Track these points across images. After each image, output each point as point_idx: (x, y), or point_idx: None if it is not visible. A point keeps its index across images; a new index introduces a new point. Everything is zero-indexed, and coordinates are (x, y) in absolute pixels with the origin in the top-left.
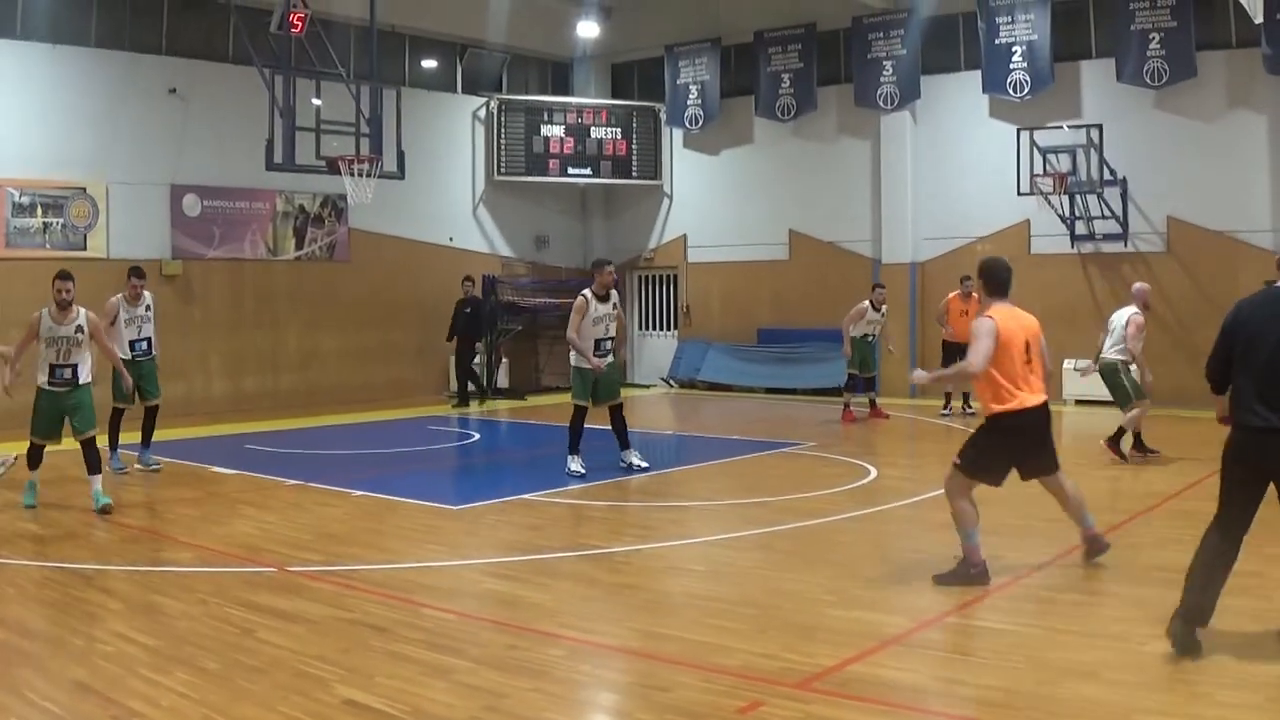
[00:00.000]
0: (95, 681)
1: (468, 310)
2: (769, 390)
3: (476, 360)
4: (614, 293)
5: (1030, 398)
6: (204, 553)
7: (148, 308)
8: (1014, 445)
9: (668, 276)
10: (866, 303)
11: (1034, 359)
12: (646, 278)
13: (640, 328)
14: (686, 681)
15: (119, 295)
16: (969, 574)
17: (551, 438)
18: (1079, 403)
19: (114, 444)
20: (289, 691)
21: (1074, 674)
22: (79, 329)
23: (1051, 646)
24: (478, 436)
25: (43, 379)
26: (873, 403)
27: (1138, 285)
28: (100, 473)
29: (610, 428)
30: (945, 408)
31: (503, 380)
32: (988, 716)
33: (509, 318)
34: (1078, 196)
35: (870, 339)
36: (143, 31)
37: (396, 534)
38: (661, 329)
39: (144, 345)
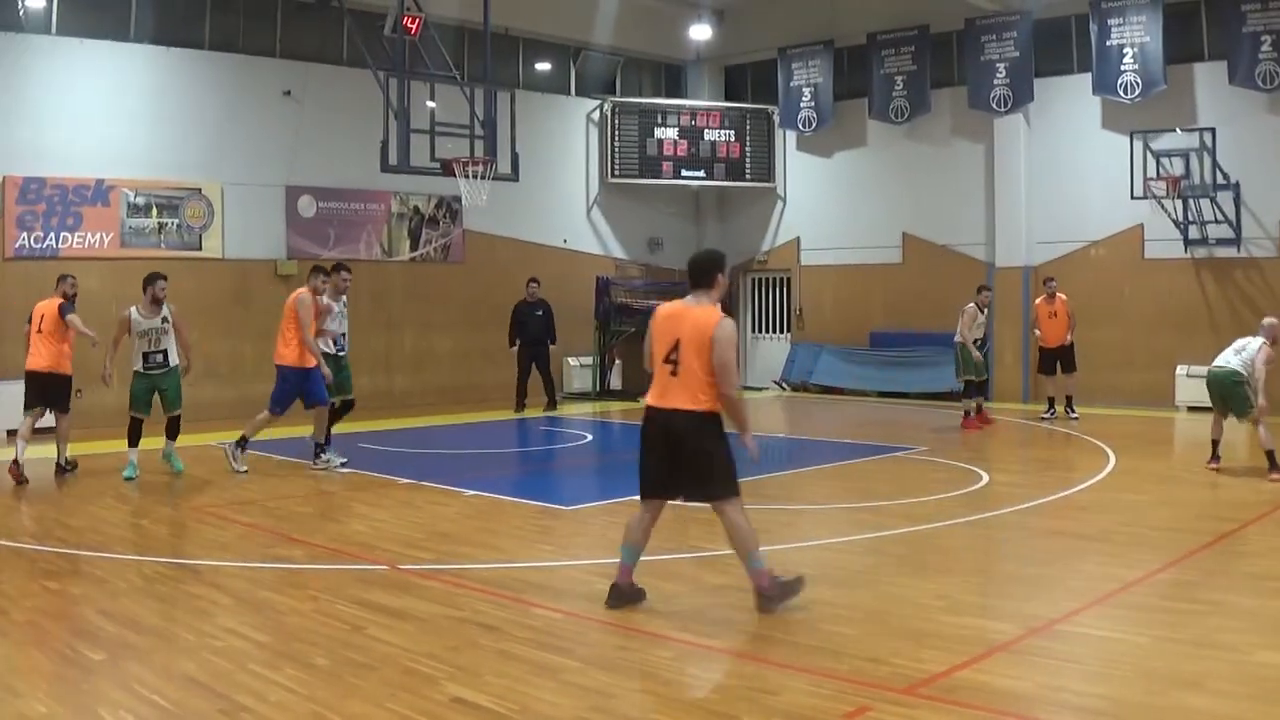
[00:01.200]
0: (204, 676)
1: (539, 314)
2: (881, 394)
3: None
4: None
5: (652, 400)
6: (315, 550)
7: (164, 319)
8: (641, 448)
9: (781, 279)
10: (973, 305)
11: (680, 361)
12: (760, 280)
13: (753, 330)
14: (794, 685)
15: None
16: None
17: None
18: (1191, 409)
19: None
20: (397, 689)
21: (1181, 684)
22: (165, 320)
23: (1159, 656)
24: (590, 438)
25: (138, 365)
26: (979, 408)
27: (1269, 320)
28: (176, 438)
29: None
30: (1048, 410)
31: (616, 382)
32: None
33: (622, 319)
34: (1191, 200)
35: (977, 342)
36: (256, 34)
37: (507, 533)
38: (774, 332)
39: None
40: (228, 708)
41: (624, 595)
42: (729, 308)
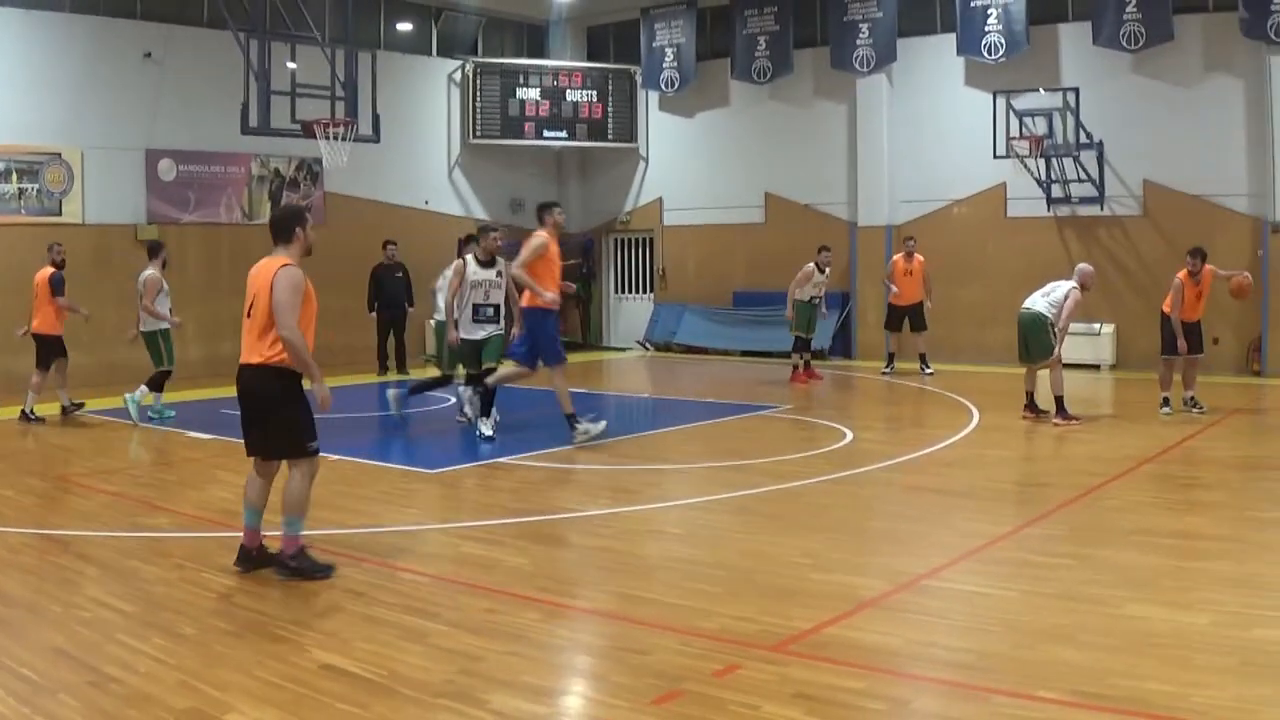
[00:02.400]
0: (72, 647)
1: (398, 276)
2: (745, 353)
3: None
4: (500, 260)
5: (243, 356)
6: (180, 518)
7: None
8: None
9: (644, 240)
10: (812, 265)
11: (254, 315)
12: (622, 240)
13: (616, 291)
14: (663, 644)
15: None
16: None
17: (528, 401)
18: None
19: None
20: (265, 656)
21: (1049, 637)
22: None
23: (1028, 610)
24: (453, 400)
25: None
26: (808, 364)
27: (1083, 266)
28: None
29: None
30: (888, 366)
31: None
32: (963, 679)
33: None
34: (1054, 160)
35: (815, 301)
36: None
37: (374, 498)
38: (638, 292)
39: None
40: (96, 679)
41: (251, 559)
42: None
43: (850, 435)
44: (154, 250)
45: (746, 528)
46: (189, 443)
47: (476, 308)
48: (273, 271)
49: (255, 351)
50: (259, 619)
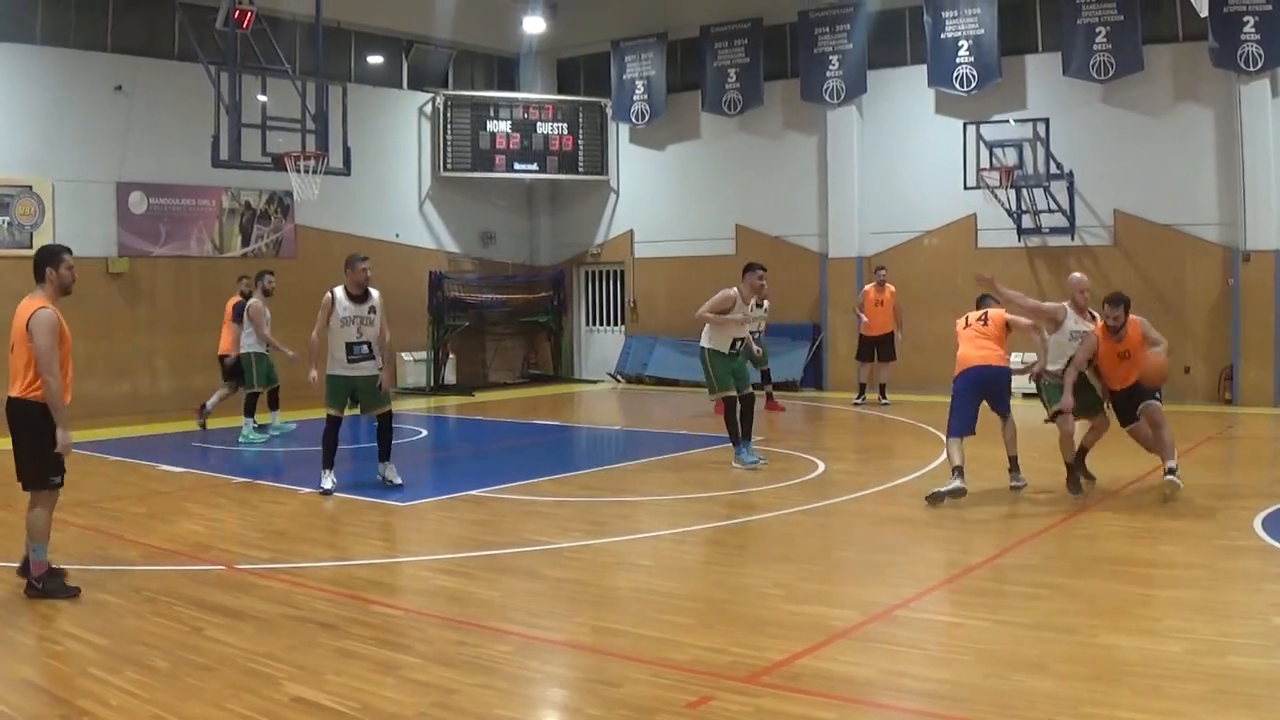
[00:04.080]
0: (44, 680)
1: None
2: None
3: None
4: (374, 293)
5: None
6: (151, 551)
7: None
8: None
9: (614, 272)
10: (735, 291)
11: (15, 351)
12: (593, 273)
13: (587, 323)
14: (636, 676)
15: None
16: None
17: (499, 434)
18: (1026, 396)
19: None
20: (238, 689)
21: (1022, 667)
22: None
23: (999, 640)
24: (424, 433)
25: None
26: (769, 396)
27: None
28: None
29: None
30: (859, 397)
31: (450, 376)
32: (936, 709)
33: (456, 314)
34: (1024, 190)
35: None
36: (87, 29)
37: (344, 531)
38: (609, 324)
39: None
40: (69, 713)
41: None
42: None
43: (822, 466)
44: (258, 278)
45: (718, 559)
46: (159, 475)
47: (350, 345)
48: (28, 314)
49: (16, 386)
50: (231, 652)
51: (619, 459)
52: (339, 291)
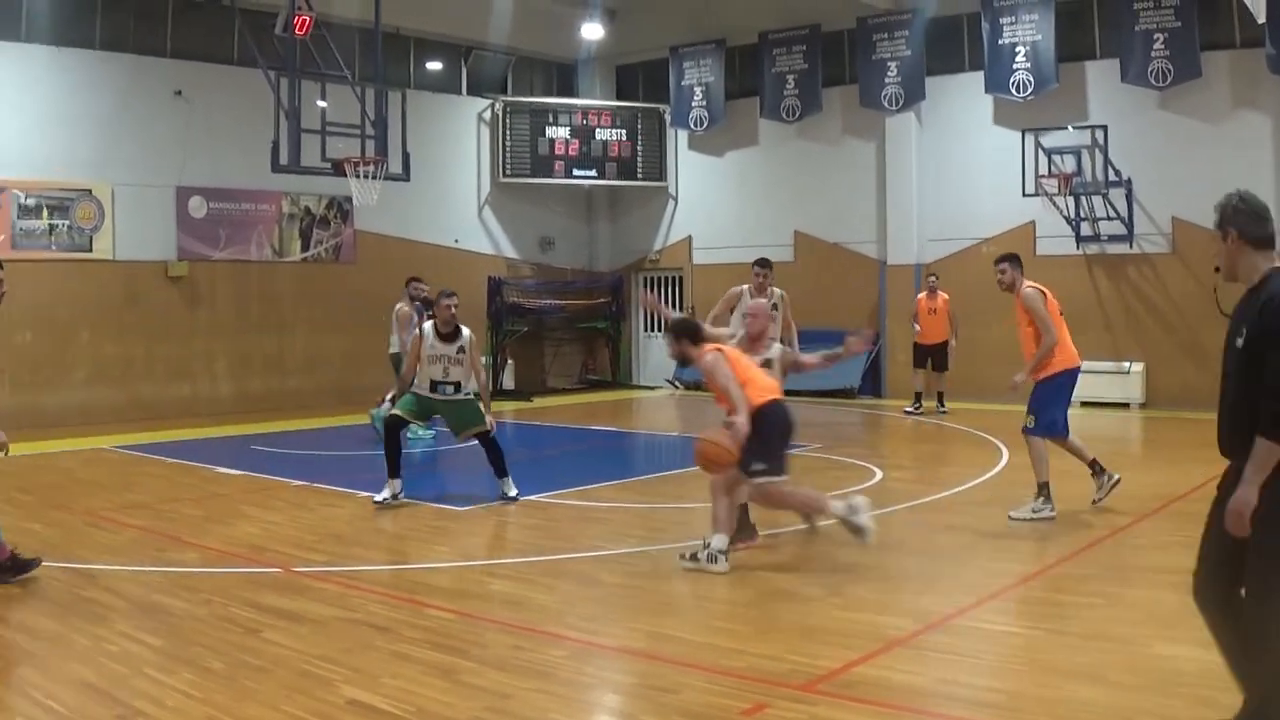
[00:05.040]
0: (100, 681)
1: (427, 313)
2: None
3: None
4: (465, 332)
5: None
6: (208, 553)
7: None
8: None
9: (673, 278)
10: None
11: None
12: (652, 279)
13: (645, 330)
14: (691, 683)
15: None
16: None
17: (557, 439)
18: (1084, 405)
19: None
20: (294, 691)
21: (1077, 677)
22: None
23: (1054, 649)
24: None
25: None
26: None
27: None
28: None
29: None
30: (914, 405)
31: (508, 382)
32: (989, 718)
33: (514, 319)
34: (1083, 198)
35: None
36: (147, 34)
37: (401, 534)
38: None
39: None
40: (124, 713)
41: (4, 569)
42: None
43: (879, 474)
44: (408, 283)
45: (775, 566)
46: (216, 478)
47: (435, 384)
48: None
49: None
50: (287, 654)
51: (677, 465)
52: (429, 328)
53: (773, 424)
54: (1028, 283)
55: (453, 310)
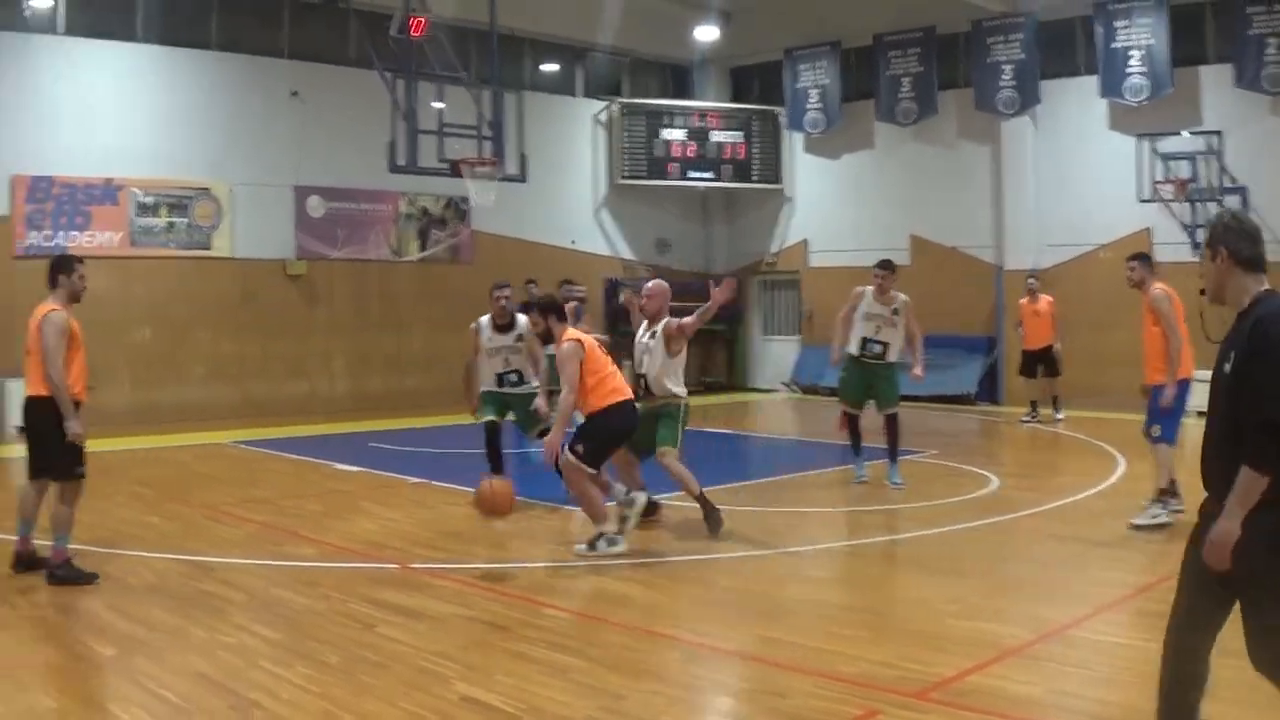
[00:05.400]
0: (216, 673)
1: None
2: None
3: None
4: (522, 320)
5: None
6: (327, 549)
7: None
8: None
9: (789, 281)
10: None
11: (29, 353)
12: (768, 282)
13: (763, 332)
14: (803, 688)
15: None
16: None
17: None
18: (1200, 414)
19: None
20: (409, 687)
21: None
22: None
23: None
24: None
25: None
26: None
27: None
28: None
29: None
30: (1029, 414)
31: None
32: None
33: (629, 320)
34: (1198, 204)
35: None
36: (263, 35)
37: (518, 533)
38: (783, 333)
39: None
40: (239, 704)
41: (23, 563)
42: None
43: (996, 481)
44: (561, 285)
45: (889, 572)
46: (336, 475)
47: (499, 376)
48: (39, 316)
49: (33, 385)
50: (403, 650)
51: (792, 469)
52: (484, 320)
53: (611, 423)
54: (1158, 284)
55: (503, 302)
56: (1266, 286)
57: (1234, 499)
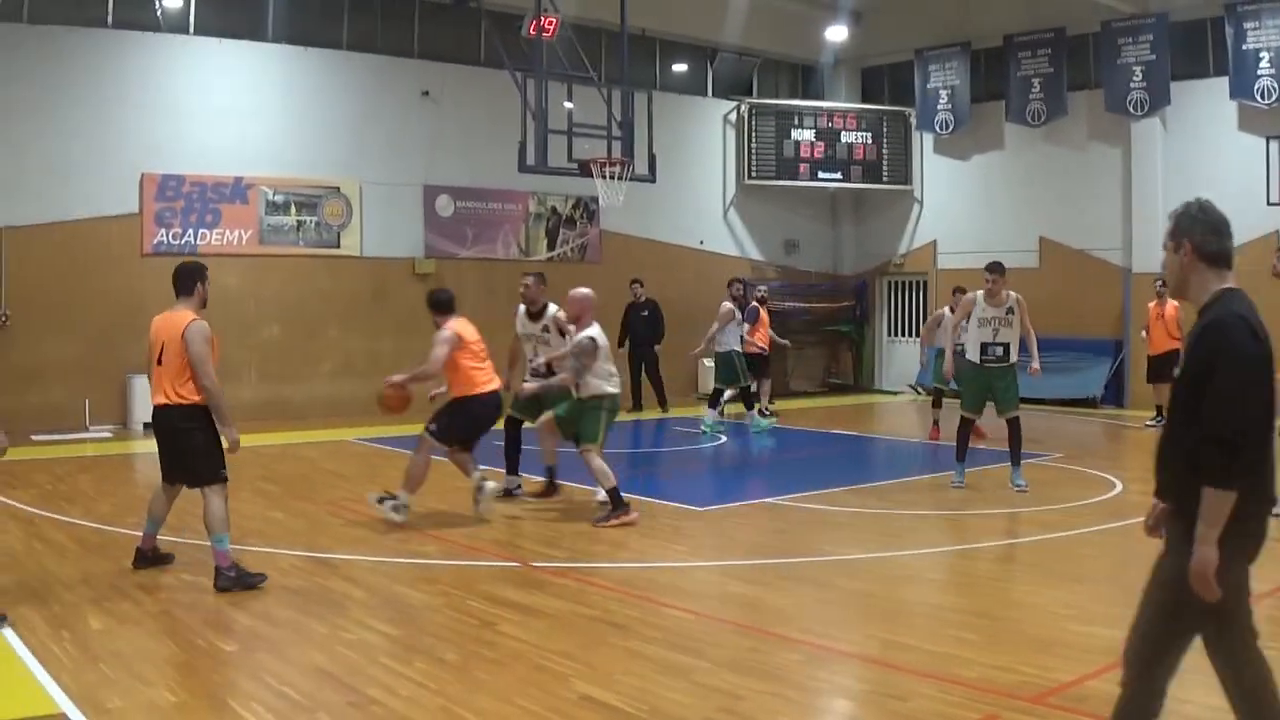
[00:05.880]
0: (335, 668)
1: (644, 314)
2: (1022, 400)
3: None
4: (551, 309)
5: (153, 399)
6: (449, 546)
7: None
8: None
9: (918, 282)
10: (945, 310)
11: (165, 363)
12: (896, 283)
13: (889, 334)
14: (923, 691)
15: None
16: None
17: (798, 442)
18: None
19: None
20: (527, 685)
21: None
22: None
23: None
24: (725, 439)
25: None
26: (935, 421)
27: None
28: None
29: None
30: (1155, 418)
31: (751, 384)
32: None
33: None
34: None
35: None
36: (394, 35)
37: (640, 533)
38: (910, 335)
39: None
40: (358, 700)
41: (146, 559)
42: (863, 309)
43: (1120, 486)
44: (729, 284)
45: (1009, 576)
46: (459, 473)
47: (532, 370)
48: (183, 325)
49: (170, 394)
50: (522, 648)
51: (916, 471)
52: (521, 308)
53: (474, 410)
54: None
55: (522, 289)
56: (1229, 284)
57: (1202, 523)
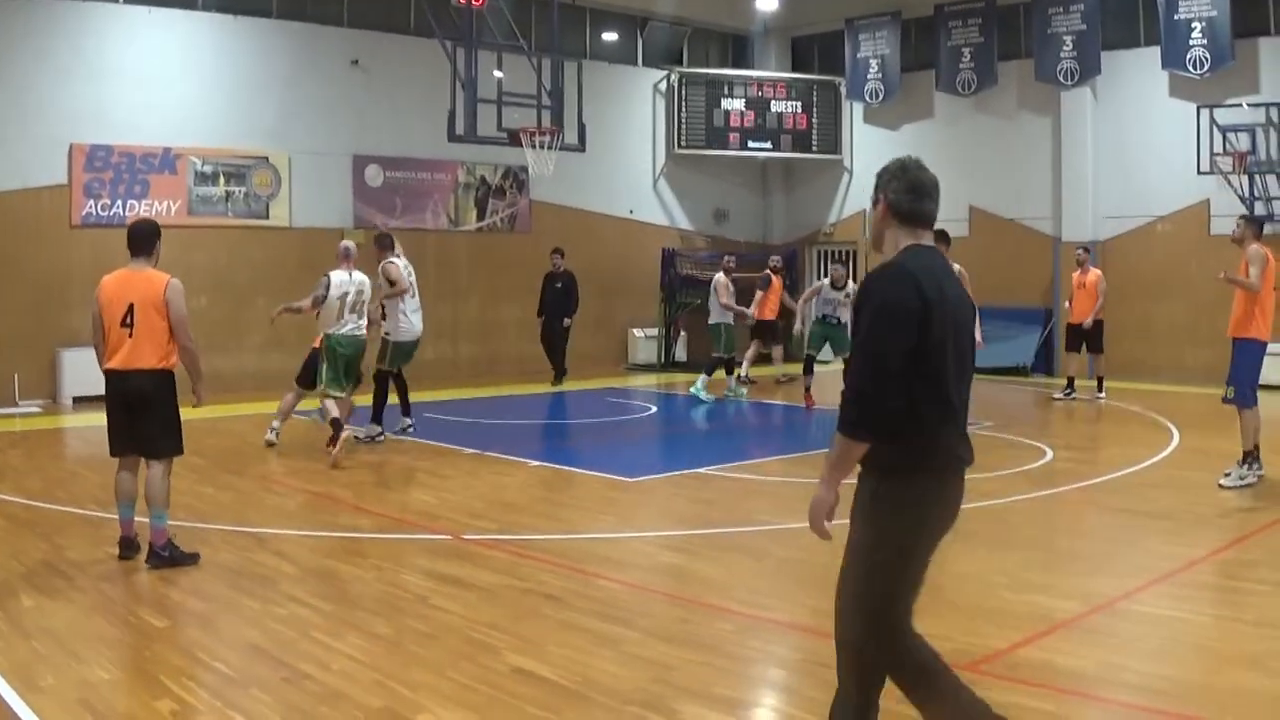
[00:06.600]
0: (267, 643)
1: (559, 285)
2: None
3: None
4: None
5: (115, 363)
6: (380, 519)
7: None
8: (107, 408)
9: (847, 252)
10: (824, 281)
11: (139, 324)
12: (825, 253)
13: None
14: None
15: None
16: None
17: (728, 412)
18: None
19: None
20: (459, 658)
21: (1242, 664)
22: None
23: (1221, 636)
24: (654, 409)
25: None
26: (806, 389)
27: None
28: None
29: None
30: (1066, 389)
31: (681, 354)
32: (1155, 705)
33: (688, 291)
34: (1257, 176)
35: (831, 320)
36: (324, 3)
37: (571, 504)
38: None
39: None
40: (290, 675)
41: (134, 547)
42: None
43: (1050, 454)
44: (723, 259)
45: (942, 545)
46: (391, 445)
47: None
48: (161, 284)
49: (150, 358)
50: (454, 621)
51: None
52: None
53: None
54: (1261, 245)
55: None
56: (921, 242)
57: (826, 464)
